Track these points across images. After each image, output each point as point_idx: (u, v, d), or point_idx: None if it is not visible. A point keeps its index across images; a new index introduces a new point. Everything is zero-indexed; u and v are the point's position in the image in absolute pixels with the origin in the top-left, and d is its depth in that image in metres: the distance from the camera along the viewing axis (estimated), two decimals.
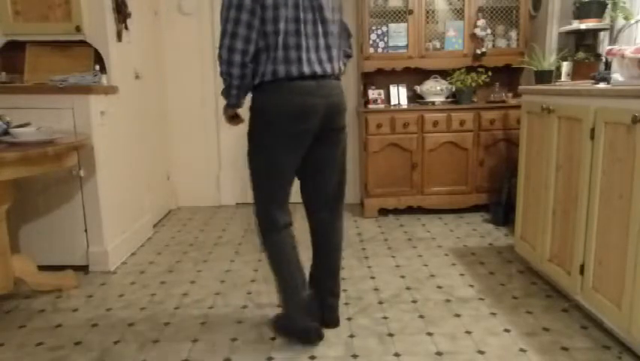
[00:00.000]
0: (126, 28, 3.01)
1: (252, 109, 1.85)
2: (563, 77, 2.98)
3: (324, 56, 1.84)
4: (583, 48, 3.01)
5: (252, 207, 1.95)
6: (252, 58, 1.75)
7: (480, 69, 3.68)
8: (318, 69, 1.81)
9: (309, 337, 1.94)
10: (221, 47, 1.73)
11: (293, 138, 1.82)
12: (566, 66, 2.98)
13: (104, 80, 2.76)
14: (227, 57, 1.73)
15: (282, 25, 1.73)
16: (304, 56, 1.78)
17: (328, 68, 1.85)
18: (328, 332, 2.03)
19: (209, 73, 4.05)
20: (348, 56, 2.06)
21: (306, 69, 1.78)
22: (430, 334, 2.01)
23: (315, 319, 1.97)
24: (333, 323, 2.08)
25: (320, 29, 1.82)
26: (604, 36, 3.00)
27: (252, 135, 1.87)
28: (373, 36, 3.70)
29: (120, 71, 2.93)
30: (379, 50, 3.72)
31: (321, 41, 1.83)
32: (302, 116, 1.79)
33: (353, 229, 3.49)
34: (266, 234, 1.92)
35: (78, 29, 2.69)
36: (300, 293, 1.92)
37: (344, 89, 1.97)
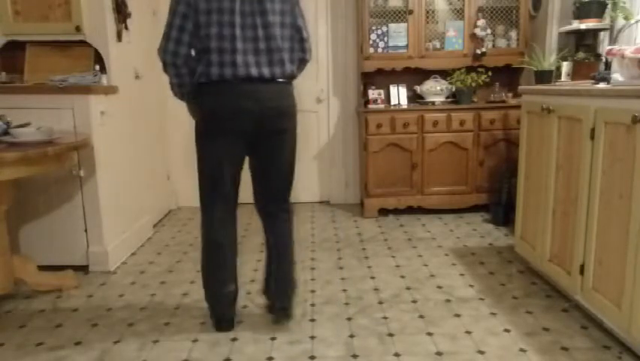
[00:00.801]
0: (126, 28, 3.01)
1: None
2: (563, 77, 2.98)
3: (263, 59, 1.87)
4: (583, 48, 3.01)
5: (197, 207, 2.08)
6: (185, 59, 1.87)
7: (480, 69, 3.68)
8: (254, 72, 1.85)
9: (220, 325, 2.09)
10: (158, 48, 1.88)
11: (223, 137, 1.90)
12: (566, 66, 2.98)
13: (104, 80, 2.76)
14: (161, 57, 1.88)
15: (214, 30, 1.82)
16: (239, 59, 1.84)
17: (266, 71, 1.87)
18: (328, 332, 2.03)
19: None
20: (301, 60, 2.04)
21: (240, 72, 1.84)
22: (430, 334, 2.01)
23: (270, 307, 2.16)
24: (280, 317, 2.13)
25: (260, 33, 1.86)
26: (604, 36, 3.00)
27: (195, 130, 1.99)
28: (373, 36, 3.71)
29: (120, 71, 2.93)
30: (379, 50, 3.72)
31: (261, 45, 1.87)
32: (231, 118, 1.87)
33: (353, 228, 3.49)
34: (202, 226, 2.04)
35: (78, 29, 2.69)
36: (215, 288, 2.06)
37: (295, 91, 2.01)
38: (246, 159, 2.04)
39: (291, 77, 1.98)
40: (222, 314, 2.09)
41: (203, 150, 1.95)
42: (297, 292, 2.23)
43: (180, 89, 1.96)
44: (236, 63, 1.84)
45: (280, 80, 1.93)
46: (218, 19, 1.82)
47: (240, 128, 1.89)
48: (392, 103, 3.82)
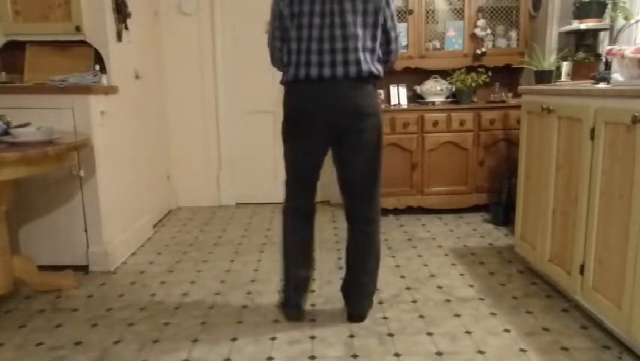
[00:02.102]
0: (126, 28, 3.01)
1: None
2: (563, 77, 2.98)
3: (338, 58, 1.89)
4: (583, 48, 3.01)
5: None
6: (281, 63, 2.03)
7: (480, 69, 3.68)
8: (326, 72, 1.89)
9: (287, 311, 2.15)
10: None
11: (300, 135, 1.98)
12: (566, 66, 2.98)
13: (104, 80, 2.76)
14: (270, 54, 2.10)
15: (294, 33, 1.93)
16: (314, 59, 1.89)
17: (340, 71, 1.89)
18: (328, 332, 2.03)
19: (209, 73, 4.05)
20: (385, 61, 2.07)
21: (312, 72, 1.89)
22: (430, 334, 2.01)
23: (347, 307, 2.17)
24: (355, 317, 2.13)
25: (338, 33, 1.89)
26: (604, 36, 3.00)
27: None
28: None
29: (120, 71, 2.93)
30: None
31: (338, 45, 1.89)
32: (305, 117, 1.95)
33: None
34: (282, 214, 2.14)
35: (78, 29, 2.69)
36: (291, 271, 2.12)
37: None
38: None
39: (370, 76, 1.94)
40: (289, 298, 2.14)
41: (285, 146, 2.06)
42: (372, 301, 2.20)
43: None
44: (311, 63, 1.90)
45: (356, 79, 1.91)
46: (298, 22, 1.91)
47: (315, 127, 1.94)
48: (392, 103, 3.81)
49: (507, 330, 2.02)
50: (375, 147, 2.00)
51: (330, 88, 1.91)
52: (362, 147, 1.98)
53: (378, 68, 1.97)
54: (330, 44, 1.89)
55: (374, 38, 1.96)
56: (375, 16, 1.93)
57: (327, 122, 1.93)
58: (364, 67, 1.91)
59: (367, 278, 2.13)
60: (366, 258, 2.11)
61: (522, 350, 1.88)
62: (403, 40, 3.68)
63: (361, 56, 1.90)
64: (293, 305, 2.13)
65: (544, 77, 2.97)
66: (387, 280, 2.56)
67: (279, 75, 2.12)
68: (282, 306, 2.18)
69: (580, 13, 2.96)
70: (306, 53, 1.90)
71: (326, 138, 1.98)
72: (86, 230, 2.70)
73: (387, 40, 2.02)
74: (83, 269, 2.73)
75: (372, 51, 1.96)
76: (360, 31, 1.91)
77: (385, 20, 1.97)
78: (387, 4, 1.96)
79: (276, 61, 2.07)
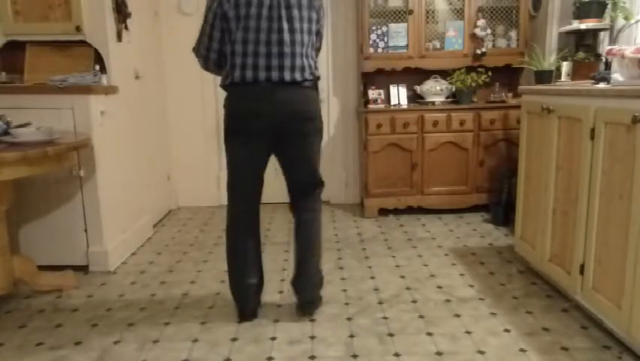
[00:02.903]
0: (126, 28, 3.01)
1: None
2: (563, 77, 2.98)
3: (286, 63, 1.93)
4: (583, 48, 3.01)
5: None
6: (215, 63, 2.05)
7: (480, 69, 3.68)
8: (274, 76, 1.92)
9: (243, 316, 2.16)
10: (192, 48, 2.09)
11: (243, 137, 1.98)
12: (566, 66, 2.98)
13: (104, 80, 2.76)
14: (195, 55, 2.10)
15: (240, 35, 1.92)
16: (261, 62, 1.91)
17: (287, 75, 1.93)
18: (328, 332, 2.03)
19: (209, 73, 4.03)
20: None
21: (260, 75, 1.91)
22: (430, 334, 2.01)
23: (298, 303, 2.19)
24: (304, 309, 2.17)
25: (286, 37, 1.92)
26: (604, 36, 3.00)
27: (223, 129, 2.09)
28: (373, 36, 3.71)
29: (120, 71, 2.93)
30: (379, 50, 3.72)
31: (286, 49, 1.93)
32: (250, 119, 1.96)
33: (353, 228, 3.49)
34: (227, 220, 2.13)
35: (78, 29, 2.69)
36: (236, 279, 2.14)
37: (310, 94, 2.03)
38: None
39: (312, 81, 2.03)
40: (244, 306, 2.16)
41: (227, 149, 2.05)
42: (323, 285, 2.27)
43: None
44: (258, 66, 1.91)
45: (301, 84, 1.97)
46: (245, 25, 1.91)
47: (259, 129, 1.96)
48: (392, 103, 3.81)
49: (507, 330, 2.02)
50: (314, 150, 2.08)
51: (276, 91, 1.94)
52: (304, 149, 2.05)
53: (315, 74, 2.04)
54: (279, 48, 1.92)
55: (313, 45, 2.06)
56: (317, 24, 2.04)
57: (272, 125, 1.96)
58: (307, 73, 1.98)
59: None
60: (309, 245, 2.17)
61: (522, 350, 1.88)
62: (402, 41, 3.69)
63: (306, 61, 1.99)
64: (249, 313, 2.15)
65: (544, 77, 2.97)
66: (387, 280, 2.56)
67: None
68: (239, 316, 2.16)
69: (580, 13, 2.96)
70: (253, 55, 1.91)
71: (268, 141, 2.00)
72: (86, 230, 2.70)
73: (319, 47, 2.17)
74: (83, 269, 2.73)
75: (312, 57, 2.05)
76: (307, 38, 1.98)
77: (320, 28, 2.08)
78: (323, 12, 2.09)
79: (211, 63, 2.05)
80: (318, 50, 2.17)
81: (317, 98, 2.08)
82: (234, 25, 1.92)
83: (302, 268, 2.16)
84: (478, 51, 3.66)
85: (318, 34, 2.10)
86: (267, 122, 1.95)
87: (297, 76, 1.95)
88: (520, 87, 2.76)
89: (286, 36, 1.92)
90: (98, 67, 2.76)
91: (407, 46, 3.68)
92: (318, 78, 2.07)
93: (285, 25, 1.92)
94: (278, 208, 4.05)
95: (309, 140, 2.04)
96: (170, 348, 1.95)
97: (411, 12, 3.62)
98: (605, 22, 2.91)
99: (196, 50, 2.05)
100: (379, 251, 3.00)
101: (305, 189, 2.14)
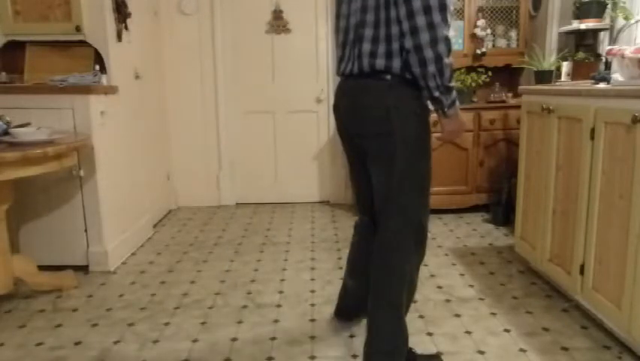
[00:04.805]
0: (126, 28, 3.01)
1: None
2: (563, 77, 2.98)
3: (359, 51, 1.66)
4: (583, 48, 3.01)
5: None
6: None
7: (480, 69, 3.68)
8: (348, 67, 1.72)
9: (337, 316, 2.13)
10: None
11: (340, 135, 1.91)
12: (565, 66, 2.98)
13: (104, 80, 2.76)
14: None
15: (342, 23, 1.76)
16: (346, 52, 1.74)
17: (355, 65, 1.68)
18: (328, 332, 2.03)
19: (209, 73, 4.04)
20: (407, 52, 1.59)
21: (342, 68, 1.80)
22: (430, 334, 2.01)
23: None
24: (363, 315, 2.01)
25: (368, 31, 1.63)
26: (604, 36, 3.00)
27: None
28: None
29: (120, 71, 2.93)
30: None
31: (367, 33, 1.62)
32: (336, 115, 1.88)
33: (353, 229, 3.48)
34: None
35: (78, 29, 2.69)
36: (345, 278, 2.10)
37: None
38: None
39: (377, 71, 1.64)
40: (338, 303, 2.14)
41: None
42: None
43: None
44: (343, 58, 1.76)
45: (376, 75, 1.64)
46: (345, 14, 1.74)
47: (342, 127, 1.86)
48: None
49: (507, 330, 2.02)
50: (391, 161, 1.78)
51: (348, 84, 1.79)
52: (379, 156, 1.78)
53: (391, 64, 1.61)
54: (356, 35, 1.67)
55: (386, 29, 1.59)
56: (397, 6, 1.53)
57: (349, 121, 1.81)
58: (381, 61, 1.61)
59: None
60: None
61: (522, 350, 1.88)
62: None
63: (373, 48, 1.62)
64: (341, 311, 2.12)
65: (544, 77, 2.97)
66: None
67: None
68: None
69: (580, 13, 2.95)
70: (342, 46, 1.79)
71: (354, 142, 1.82)
72: (86, 230, 2.70)
73: (411, 32, 1.52)
74: (83, 269, 2.73)
75: (388, 42, 1.60)
76: (378, 29, 1.60)
77: (407, 13, 1.49)
78: None
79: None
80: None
81: (385, 91, 1.73)
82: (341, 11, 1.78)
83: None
84: (478, 51, 3.65)
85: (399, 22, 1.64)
86: (344, 119, 1.86)
87: (364, 65, 1.76)
88: (520, 87, 2.76)
89: (368, 30, 1.71)
90: (97, 67, 2.76)
91: None
92: (388, 72, 1.69)
93: (368, 17, 1.71)
94: (277, 208, 4.05)
95: (375, 142, 1.88)
96: (170, 348, 1.95)
97: None
98: (605, 22, 2.91)
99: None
100: None
101: (379, 211, 2.01)
